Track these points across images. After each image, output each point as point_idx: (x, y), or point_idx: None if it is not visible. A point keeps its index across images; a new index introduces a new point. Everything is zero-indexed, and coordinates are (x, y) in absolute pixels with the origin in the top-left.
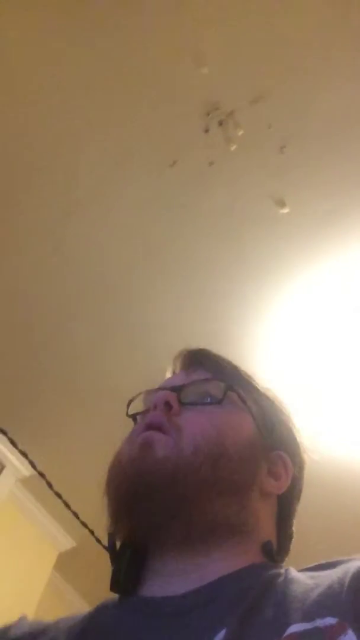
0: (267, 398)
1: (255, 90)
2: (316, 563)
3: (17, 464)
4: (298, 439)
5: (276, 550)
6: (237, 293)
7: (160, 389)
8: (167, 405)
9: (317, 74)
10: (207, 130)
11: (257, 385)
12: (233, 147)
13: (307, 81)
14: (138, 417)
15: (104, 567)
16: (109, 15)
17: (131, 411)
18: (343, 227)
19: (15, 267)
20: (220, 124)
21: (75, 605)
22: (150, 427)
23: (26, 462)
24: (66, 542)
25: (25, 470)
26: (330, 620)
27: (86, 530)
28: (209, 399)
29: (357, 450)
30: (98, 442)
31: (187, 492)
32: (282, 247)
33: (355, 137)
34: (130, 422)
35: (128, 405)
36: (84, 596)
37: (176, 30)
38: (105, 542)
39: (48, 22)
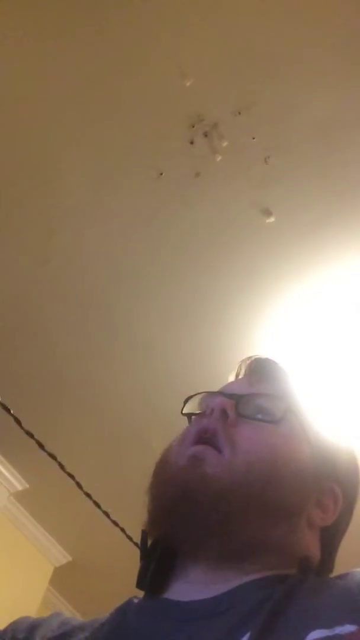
0: (328, 427)
1: (238, 102)
2: (340, 573)
3: (10, 478)
4: (354, 472)
5: (315, 571)
6: (224, 304)
7: (220, 393)
8: (224, 413)
9: (300, 84)
10: (192, 142)
11: (317, 409)
12: (218, 158)
13: (289, 92)
14: (193, 418)
15: (99, 582)
16: (93, 28)
17: (187, 409)
18: (329, 235)
19: (1, 281)
20: (205, 135)
21: None
22: (203, 432)
23: (19, 476)
24: (62, 557)
25: (19, 484)
26: (350, 628)
27: (82, 545)
28: (267, 416)
29: None
30: (91, 452)
31: (231, 510)
32: (269, 256)
33: (338, 146)
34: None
35: (185, 403)
36: (80, 611)
37: (159, 42)
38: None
39: (32, 33)
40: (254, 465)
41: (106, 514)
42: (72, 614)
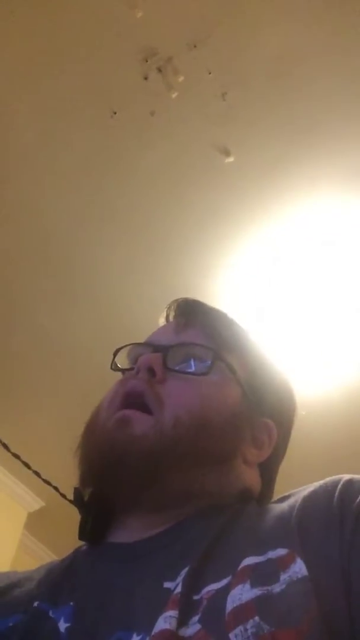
0: (260, 360)
1: (193, 34)
2: (281, 495)
3: None
4: (288, 402)
5: (256, 500)
6: (184, 247)
7: (148, 345)
8: (151, 371)
9: (256, 17)
10: (146, 78)
11: (250, 347)
12: (174, 95)
13: (245, 24)
14: (123, 373)
15: (73, 523)
16: None
17: (118, 362)
18: (289, 173)
19: None
20: (160, 70)
21: (47, 560)
22: (130, 395)
23: None
24: (35, 503)
25: None
26: (281, 551)
27: (53, 491)
28: (195, 365)
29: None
30: (59, 405)
31: (162, 467)
32: (229, 198)
33: (297, 79)
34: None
35: (114, 356)
36: (56, 552)
37: None
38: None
39: None
40: (182, 420)
41: (36, 473)
42: (49, 557)
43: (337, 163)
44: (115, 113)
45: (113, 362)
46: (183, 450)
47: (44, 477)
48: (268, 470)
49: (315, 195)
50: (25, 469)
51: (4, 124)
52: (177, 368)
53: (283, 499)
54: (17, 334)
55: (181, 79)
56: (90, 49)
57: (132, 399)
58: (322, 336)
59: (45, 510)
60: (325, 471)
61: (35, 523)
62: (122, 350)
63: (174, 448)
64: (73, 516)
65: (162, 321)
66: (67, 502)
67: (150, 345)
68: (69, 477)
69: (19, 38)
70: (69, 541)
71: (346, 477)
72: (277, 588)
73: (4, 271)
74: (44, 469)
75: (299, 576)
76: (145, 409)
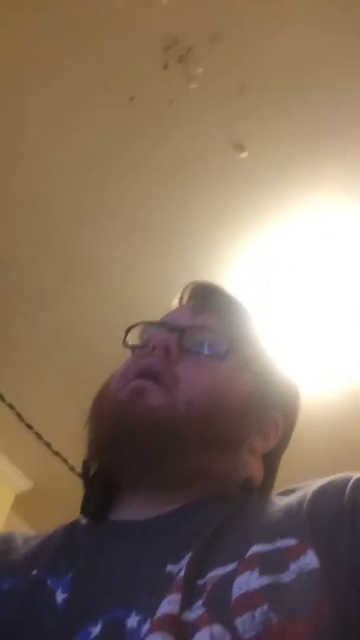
0: (270, 355)
1: (215, 27)
2: (284, 489)
3: None
4: (295, 400)
5: (258, 491)
6: (193, 239)
7: (163, 324)
8: (167, 350)
9: (279, 14)
10: (166, 67)
11: (262, 340)
12: (193, 86)
13: (268, 22)
14: (135, 351)
15: (62, 506)
16: None
17: (129, 340)
18: (300, 175)
19: None
20: (180, 60)
21: None
22: (145, 373)
23: None
24: (23, 483)
25: None
26: (290, 541)
27: (43, 470)
28: (210, 350)
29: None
30: (64, 378)
31: (173, 443)
32: (239, 193)
33: (315, 81)
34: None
35: (126, 333)
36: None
37: None
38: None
39: None
40: (196, 401)
41: (48, 444)
42: None
43: (345, 166)
44: (133, 98)
45: (125, 339)
46: (195, 430)
47: (54, 450)
48: (271, 462)
49: (323, 197)
50: (15, 446)
51: (24, 104)
52: (193, 350)
53: (288, 492)
54: (19, 326)
55: (201, 70)
56: (112, 35)
57: (148, 375)
58: (321, 339)
59: (34, 491)
60: (324, 472)
61: (23, 505)
62: (135, 328)
63: (186, 427)
64: (63, 498)
65: (175, 302)
66: (57, 483)
67: (166, 325)
68: (70, 453)
69: (39, 20)
70: (57, 523)
71: (357, 474)
72: (286, 577)
73: (9, 264)
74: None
75: (310, 567)
76: (160, 384)
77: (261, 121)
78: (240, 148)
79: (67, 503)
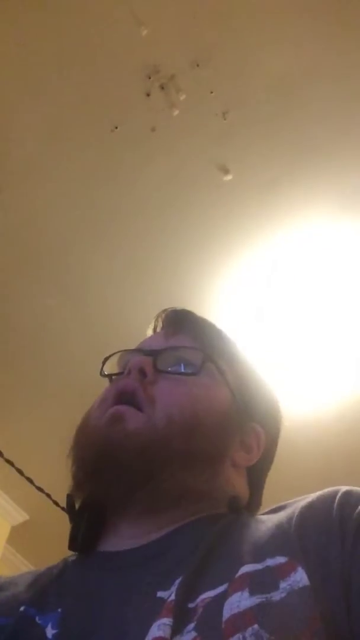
0: (247, 368)
1: (196, 54)
2: (274, 506)
3: None
4: (275, 410)
5: (245, 508)
6: (179, 261)
7: (138, 350)
8: (142, 372)
9: (259, 39)
10: (148, 94)
11: (238, 355)
12: (175, 112)
13: (247, 45)
14: (113, 378)
15: (57, 538)
16: None
17: (107, 370)
18: (285, 195)
19: None
20: (162, 87)
21: None
22: (122, 394)
23: None
24: (18, 516)
25: None
26: (280, 559)
27: (38, 503)
28: (185, 368)
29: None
30: (48, 414)
31: (156, 464)
32: (225, 215)
33: (297, 100)
34: (95, 381)
35: (103, 364)
36: (39, 567)
37: None
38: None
39: None
40: (174, 418)
41: (29, 480)
42: None
43: (333, 183)
44: (116, 127)
45: (102, 369)
46: (175, 448)
47: (37, 485)
48: (256, 477)
49: (311, 214)
50: (10, 479)
51: (5, 134)
52: (169, 370)
53: (277, 510)
54: (10, 340)
55: (183, 97)
56: (95, 64)
57: (124, 398)
58: (316, 353)
59: (29, 523)
60: (317, 487)
61: (19, 537)
62: (112, 358)
63: (166, 445)
64: (57, 531)
65: (149, 332)
66: (52, 515)
67: (140, 351)
68: (59, 488)
69: (22, 49)
70: (53, 556)
71: (344, 488)
72: (276, 596)
73: (0, 278)
74: (34, 478)
75: (301, 585)
76: (137, 406)
77: (245, 143)
78: (224, 170)
79: (62, 535)
